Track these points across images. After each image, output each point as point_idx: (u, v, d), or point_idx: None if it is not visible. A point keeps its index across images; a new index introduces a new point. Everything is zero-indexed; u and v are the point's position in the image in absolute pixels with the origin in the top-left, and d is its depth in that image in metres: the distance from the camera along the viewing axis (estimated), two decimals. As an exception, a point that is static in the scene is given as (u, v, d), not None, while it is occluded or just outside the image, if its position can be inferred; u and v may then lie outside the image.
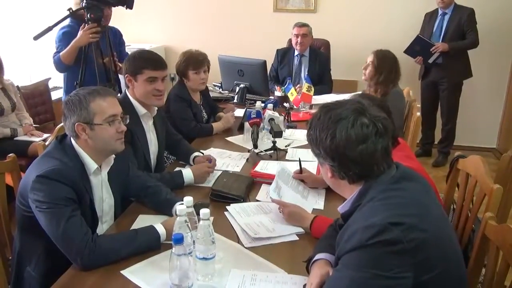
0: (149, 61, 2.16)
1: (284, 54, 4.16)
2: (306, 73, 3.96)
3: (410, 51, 4.23)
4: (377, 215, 1.10)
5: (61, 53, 3.05)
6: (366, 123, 1.17)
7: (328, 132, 1.18)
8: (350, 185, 1.24)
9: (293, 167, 2.14)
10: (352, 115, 1.18)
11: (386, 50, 2.94)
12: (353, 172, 1.20)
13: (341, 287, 1.10)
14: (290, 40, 4.34)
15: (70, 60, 3.05)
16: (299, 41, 3.97)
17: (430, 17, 4.32)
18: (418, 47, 4.18)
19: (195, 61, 2.89)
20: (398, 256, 1.05)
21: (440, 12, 4.23)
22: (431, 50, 4.11)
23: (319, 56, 4.11)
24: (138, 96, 2.19)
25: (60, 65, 3.09)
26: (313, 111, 3.34)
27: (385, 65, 2.86)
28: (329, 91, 4.00)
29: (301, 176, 2.09)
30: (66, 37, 3.10)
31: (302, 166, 2.11)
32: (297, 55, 4.09)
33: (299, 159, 2.17)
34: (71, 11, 3.04)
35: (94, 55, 3.04)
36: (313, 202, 1.95)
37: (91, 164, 1.64)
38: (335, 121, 1.18)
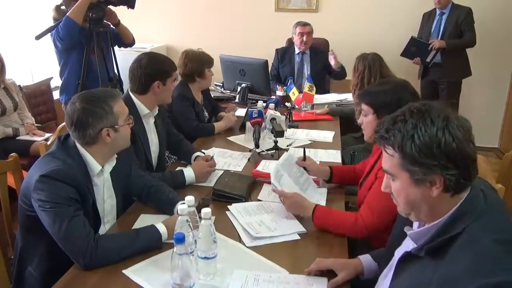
0: (173, 63, 2.27)
1: (284, 53, 4.17)
2: (309, 69, 4.02)
3: (407, 53, 4.24)
4: (502, 266, 0.88)
5: (68, 13, 2.95)
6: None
7: (444, 131, 0.97)
8: (451, 198, 1.01)
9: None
10: (446, 116, 1.01)
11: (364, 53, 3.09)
12: (472, 174, 1.01)
13: None
14: (289, 40, 4.38)
15: (80, 17, 2.96)
16: (304, 40, 3.99)
17: (428, 17, 4.32)
18: (414, 48, 4.19)
19: (208, 59, 2.98)
20: None
21: (438, 12, 4.23)
22: (428, 48, 4.10)
23: (320, 53, 4.14)
24: (161, 98, 2.24)
25: (70, 24, 2.95)
26: (318, 110, 3.35)
27: (359, 66, 3.02)
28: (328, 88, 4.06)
29: (304, 164, 2.10)
30: None
31: (306, 155, 2.14)
32: (298, 53, 4.10)
33: (304, 147, 2.21)
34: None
35: (95, 55, 3.05)
36: (315, 201, 1.94)
37: (94, 165, 1.64)
38: (443, 120, 0.99)
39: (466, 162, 0.99)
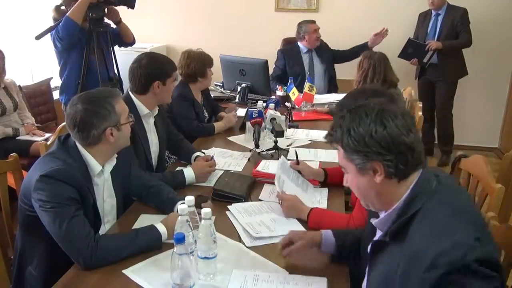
0: (173, 63, 2.27)
1: (289, 53, 4.16)
2: (320, 65, 4.10)
3: (404, 54, 4.27)
4: (456, 230, 0.95)
5: (68, 13, 2.96)
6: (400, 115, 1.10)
7: (376, 122, 1.08)
8: (398, 184, 1.10)
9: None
10: (381, 109, 1.10)
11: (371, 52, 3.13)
12: (410, 161, 1.08)
13: None
14: (284, 40, 4.49)
15: (79, 17, 2.97)
16: (318, 36, 4.06)
17: (424, 17, 4.34)
18: (411, 50, 4.22)
19: (209, 58, 2.99)
20: (497, 274, 0.93)
21: (433, 13, 4.25)
22: (425, 49, 4.12)
23: (324, 47, 4.19)
24: (161, 98, 2.24)
25: (70, 24, 2.96)
26: (320, 108, 3.36)
27: (364, 64, 3.02)
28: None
29: (298, 167, 2.13)
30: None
31: (299, 158, 2.16)
32: (306, 51, 4.11)
33: (296, 151, 2.21)
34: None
35: (95, 55, 3.05)
36: (316, 201, 1.95)
37: (95, 165, 1.64)
38: (376, 112, 1.09)
39: (399, 149, 1.07)
